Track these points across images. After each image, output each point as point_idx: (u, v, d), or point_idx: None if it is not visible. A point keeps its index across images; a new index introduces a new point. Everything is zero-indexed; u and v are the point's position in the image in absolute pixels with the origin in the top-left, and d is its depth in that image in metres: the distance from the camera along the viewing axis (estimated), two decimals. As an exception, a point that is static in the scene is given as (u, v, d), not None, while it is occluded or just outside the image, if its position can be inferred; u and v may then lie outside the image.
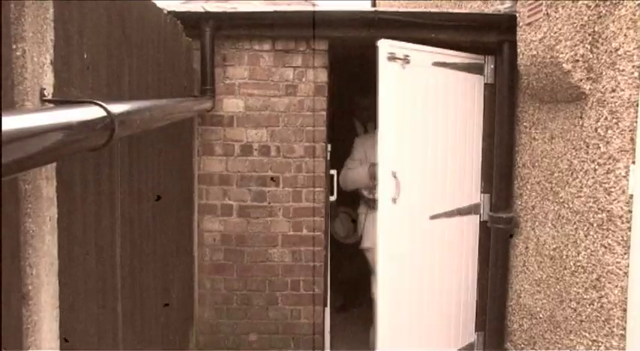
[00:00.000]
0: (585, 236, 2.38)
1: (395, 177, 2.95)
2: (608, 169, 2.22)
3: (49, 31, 1.14)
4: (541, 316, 2.80)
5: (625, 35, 2.13)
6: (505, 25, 3.03)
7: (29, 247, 1.08)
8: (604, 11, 2.24)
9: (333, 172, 3.42)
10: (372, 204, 3.59)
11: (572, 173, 2.51)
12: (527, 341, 2.98)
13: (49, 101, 1.11)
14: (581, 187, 2.43)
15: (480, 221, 3.38)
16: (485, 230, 3.35)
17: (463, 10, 3.66)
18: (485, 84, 3.31)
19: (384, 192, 2.94)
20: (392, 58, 2.90)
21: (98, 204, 1.48)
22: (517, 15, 2.90)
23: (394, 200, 2.96)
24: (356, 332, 3.97)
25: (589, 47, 2.32)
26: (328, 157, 3.37)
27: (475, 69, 3.29)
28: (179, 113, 2.43)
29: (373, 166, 3.48)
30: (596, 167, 2.30)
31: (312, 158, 3.30)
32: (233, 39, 3.25)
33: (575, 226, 2.48)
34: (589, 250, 2.35)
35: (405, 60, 2.94)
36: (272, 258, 3.35)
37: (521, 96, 3.12)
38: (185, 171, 3.00)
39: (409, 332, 3.20)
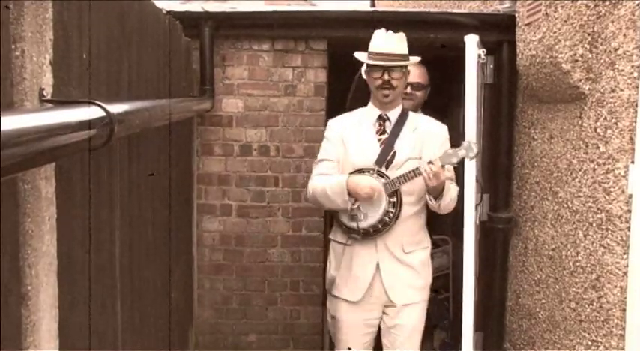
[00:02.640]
0: (584, 236, 2.38)
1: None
2: (608, 169, 2.22)
3: (48, 31, 1.14)
4: (540, 316, 2.80)
5: (624, 35, 2.13)
6: (504, 25, 3.03)
7: (28, 247, 1.08)
8: (603, 11, 2.24)
9: None
10: (356, 233, 2.38)
11: (571, 173, 2.51)
12: (526, 341, 2.98)
13: (48, 101, 1.11)
14: (580, 187, 2.43)
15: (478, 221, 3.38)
16: (484, 230, 3.35)
17: (462, 10, 3.66)
18: (484, 84, 3.32)
19: None
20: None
21: (97, 204, 1.48)
22: (516, 15, 2.91)
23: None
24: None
25: (588, 47, 2.32)
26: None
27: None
28: (178, 113, 2.43)
29: (381, 177, 2.35)
30: (596, 167, 2.30)
31: (311, 158, 3.30)
32: (232, 39, 3.25)
33: (574, 226, 2.48)
34: (588, 250, 2.35)
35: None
36: (271, 258, 3.35)
37: (520, 96, 3.12)
38: (184, 171, 2.99)
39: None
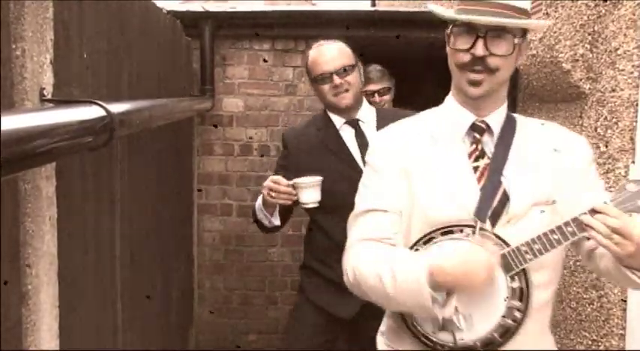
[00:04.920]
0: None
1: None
2: (608, 168, 2.22)
3: (49, 31, 1.14)
4: (540, 315, 2.80)
5: (625, 35, 2.13)
6: (505, 24, 3.03)
7: (29, 246, 1.08)
8: (604, 11, 2.24)
9: None
10: None
11: (571, 173, 2.51)
12: (526, 341, 2.98)
13: (49, 101, 1.11)
14: (580, 187, 2.43)
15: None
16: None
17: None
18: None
19: None
20: None
21: (98, 203, 1.48)
22: (517, 15, 2.90)
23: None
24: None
25: (589, 47, 2.32)
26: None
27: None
28: (178, 113, 2.43)
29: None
30: (596, 167, 2.30)
31: (311, 158, 3.30)
32: (232, 39, 3.25)
33: (574, 226, 2.47)
34: (588, 250, 2.35)
35: None
36: (271, 257, 3.35)
37: (520, 95, 3.12)
38: (184, 171, 2.99)
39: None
